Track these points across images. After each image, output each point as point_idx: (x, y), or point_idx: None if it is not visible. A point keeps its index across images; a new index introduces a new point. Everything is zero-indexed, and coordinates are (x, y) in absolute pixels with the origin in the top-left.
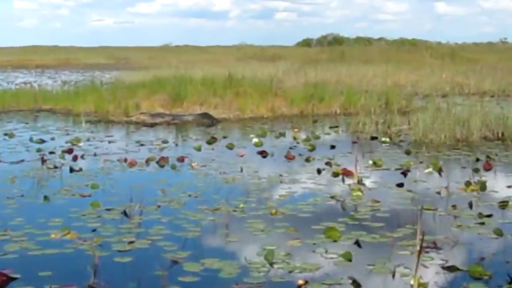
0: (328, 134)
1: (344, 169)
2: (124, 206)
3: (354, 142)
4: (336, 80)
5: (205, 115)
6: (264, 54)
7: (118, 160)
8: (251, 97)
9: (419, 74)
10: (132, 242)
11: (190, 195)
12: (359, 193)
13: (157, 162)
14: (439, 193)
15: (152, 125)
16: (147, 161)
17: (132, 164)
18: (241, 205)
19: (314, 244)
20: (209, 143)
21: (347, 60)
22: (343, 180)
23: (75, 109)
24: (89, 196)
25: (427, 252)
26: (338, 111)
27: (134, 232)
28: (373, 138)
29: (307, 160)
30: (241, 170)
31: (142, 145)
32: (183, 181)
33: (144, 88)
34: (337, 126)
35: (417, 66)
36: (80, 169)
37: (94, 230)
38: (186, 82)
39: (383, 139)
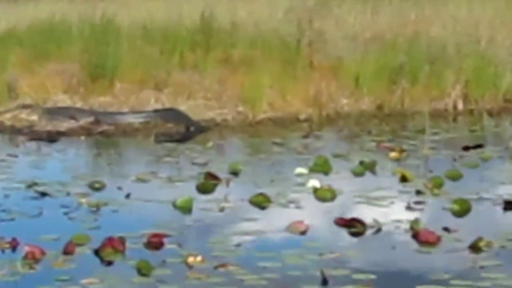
0: (472, 166)
1: None
2: None
3: None
4: (412, 30)
5: (171, 113)
6: None
7: None
8: (264, 72)
9: None
10: None
11: None
12: None
13: (96, 252)
14: None
15: (51, 137)
16: (69, 250)
17: (33, 258)
18: None
19: None
20: (204, 190)
21: None
22: None
23: None
24: None
25: None
26: (459, 106)
27: None
28: None
29: (475, 247)
30: (325, 285)
31: (43, 194)
32: None
33: (21, 47)
34: (480, 145)
35: None
36: None
37: None
38: (114, 35)
39: None
